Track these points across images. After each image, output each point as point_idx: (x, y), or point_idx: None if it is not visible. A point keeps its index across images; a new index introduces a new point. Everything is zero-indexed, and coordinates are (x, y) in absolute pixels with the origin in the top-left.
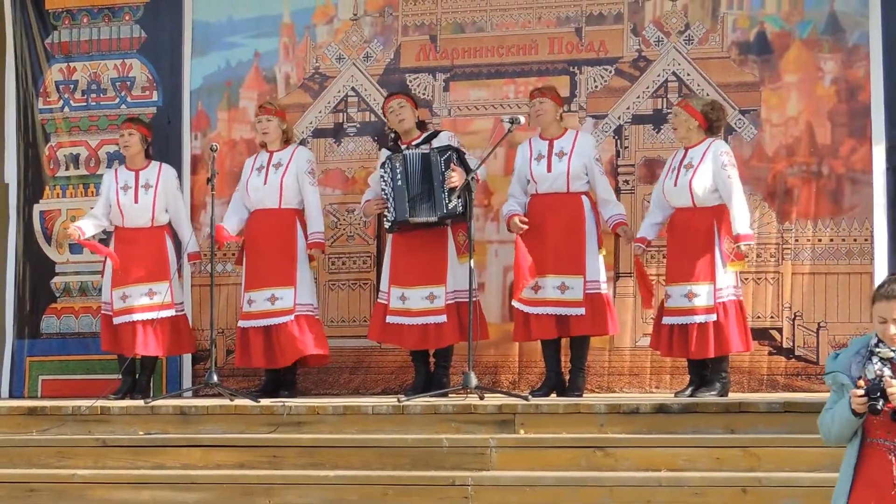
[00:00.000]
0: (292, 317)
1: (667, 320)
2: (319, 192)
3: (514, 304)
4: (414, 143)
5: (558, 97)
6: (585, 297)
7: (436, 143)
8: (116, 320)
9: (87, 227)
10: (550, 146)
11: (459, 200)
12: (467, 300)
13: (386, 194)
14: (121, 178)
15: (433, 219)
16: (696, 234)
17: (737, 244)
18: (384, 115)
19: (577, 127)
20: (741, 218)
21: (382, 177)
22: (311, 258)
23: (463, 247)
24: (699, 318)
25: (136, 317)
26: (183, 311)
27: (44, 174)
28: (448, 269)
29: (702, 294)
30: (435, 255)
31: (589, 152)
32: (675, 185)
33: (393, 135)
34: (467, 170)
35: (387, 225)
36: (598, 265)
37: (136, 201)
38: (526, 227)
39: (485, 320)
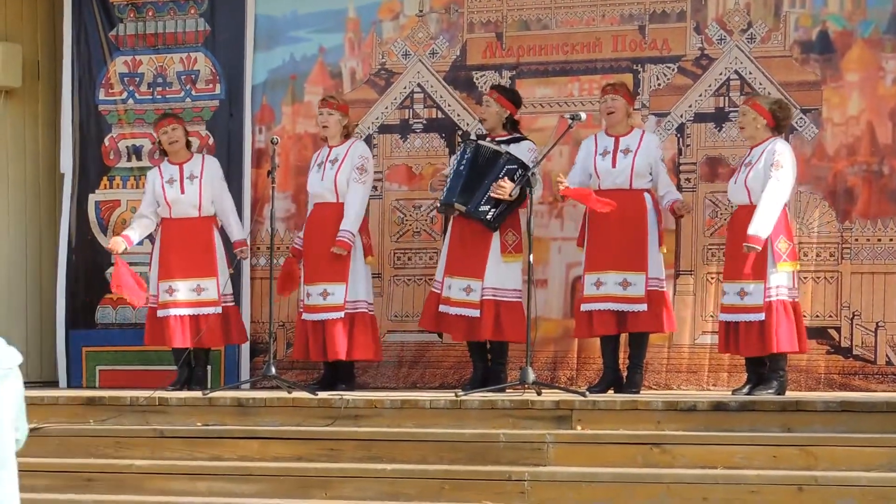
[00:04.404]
0: (342, 314)
1: (722, 317)
2: (386, 187)
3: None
4: (497, 139)
5: (629, 95)
6: (647, 293)
7: (514, 149)
8: (160, 313)
9: (134, 235)
10: (616, 143)
11: (492, 211)
12: (507, 299)
13: (448, 175)
14: (165, 173)
15: (462, 209)
16: None
17: (744, 244)
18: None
19: (641, 125)
20: (760, 218)
21: (453, 159)
22: (365, 254)
23: (511, 246)
24: (748, 317)
25: (180, 311)
26: (233, 301)
27: (101, 164)
28: (487, 266)
29: (752, 292)
30: (478, 250)
31: (655, 153)
32: (735, 182)
33: (481, 127)
34: (523, 194)
35: (437, 204)
36: (659, 263)
37: (182, 192)
38: (562, 186)
39: (524, 322)
